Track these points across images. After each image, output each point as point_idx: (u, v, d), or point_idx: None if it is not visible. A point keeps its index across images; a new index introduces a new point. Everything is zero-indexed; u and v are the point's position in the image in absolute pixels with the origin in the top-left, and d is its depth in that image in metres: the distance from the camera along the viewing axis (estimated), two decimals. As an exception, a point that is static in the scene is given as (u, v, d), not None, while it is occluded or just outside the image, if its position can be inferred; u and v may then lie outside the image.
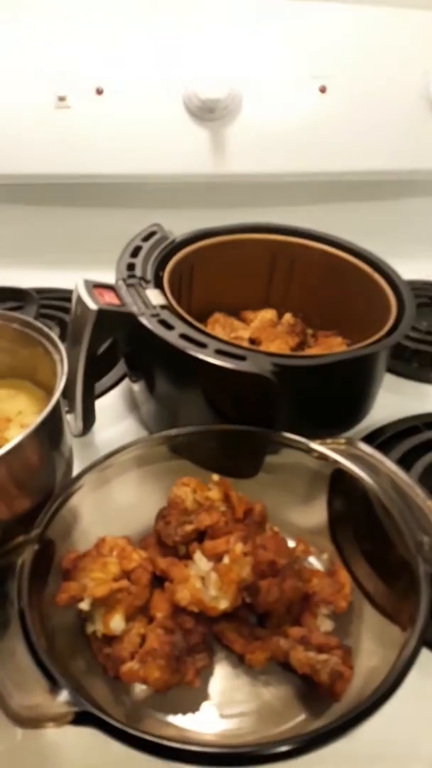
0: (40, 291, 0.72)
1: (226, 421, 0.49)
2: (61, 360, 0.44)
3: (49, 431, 0.43)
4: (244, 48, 0.73)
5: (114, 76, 0.71)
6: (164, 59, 0.72)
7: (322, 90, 0.74)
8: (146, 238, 0.59)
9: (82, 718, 0.31)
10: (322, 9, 0.74)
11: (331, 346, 0.62)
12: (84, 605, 0.39)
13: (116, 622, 0.39)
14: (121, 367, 0.64)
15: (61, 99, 0.71)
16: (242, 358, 0.46)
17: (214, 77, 0.70)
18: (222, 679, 0.40)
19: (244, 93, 0.72)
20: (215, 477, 0.47)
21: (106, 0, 0.72)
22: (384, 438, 0.56)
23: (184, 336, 0.47)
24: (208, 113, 0.72)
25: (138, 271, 0.55)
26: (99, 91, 0.71)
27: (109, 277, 0.54)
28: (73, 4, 0.71)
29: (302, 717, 0.37)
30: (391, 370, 0.66)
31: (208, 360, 0.45)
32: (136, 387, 0.58)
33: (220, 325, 0.65)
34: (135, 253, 0.57)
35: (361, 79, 0.75)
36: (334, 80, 0.74)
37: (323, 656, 0.37)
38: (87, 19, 0.71)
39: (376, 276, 0.59)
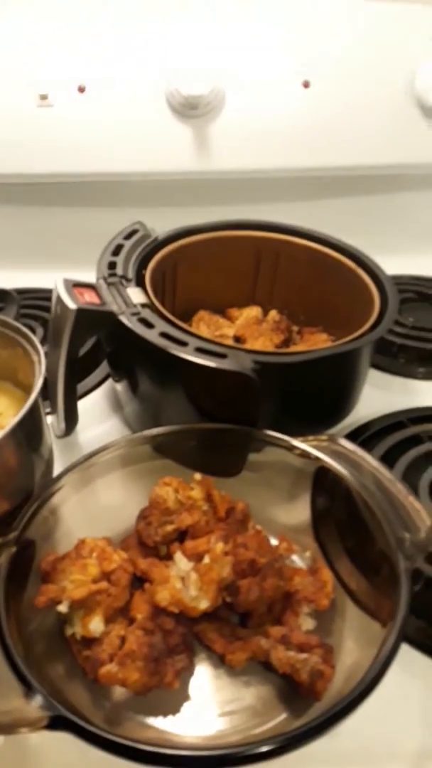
0: (23, 291, 0.72)
1: (209, 420, 0.49)
2: (40, 360, 0.44)
3: (27, 432, 0.42)
4: (227, 44, 0.72)
5: (96, 74, 0.71)
6: (146, 56, 0.71)
7: (306, 85, 0.73)
8: (128, 237, 0.59)
9: (56, 723, 0.30)
10: (305, 3, 0.73)
11: (316, 342, 0.62)
12: (62, 607, 0.38)
13: (95, 624, 0.38)
14: (104, 367, 0.64)
15: (43, 97, 0.70)
16: (223, 355, 0.45)
17: (196, 73, 0.70)
18: (203, 679, 0.39)
19: (227, 89, 0.72)
20: (198, 476, 0.47)
21: (86, -3, 0.71)
22: (369, 434, 0.56)
23: (164, 334, 0.47)
24: (190, 110, 0.71)
25: (119, 270, 0.54)
26: (81, 89, 0.71)
27: (91, 276, 0.53)
28: (53, 1, 0.71)
29: (283, 716, 0.37)
30: (377, 365, 0.65)
31: (188, 358, 0.45)
32: (120, 387, 0.57)
33: (205, 323, 0.64)
34: (116, 251, 0.57)
35: (345, 74, 0.74)
36: (318, 75, 0.73)
37: (303, 655, 0.37)
38: (68, 16, 0.71)
39: (360, 271, 0.59)
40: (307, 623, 0.41)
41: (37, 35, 0.70)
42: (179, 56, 0.71)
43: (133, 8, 0.71)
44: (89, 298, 0.49)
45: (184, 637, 0.39)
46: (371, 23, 0.75)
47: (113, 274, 0.53)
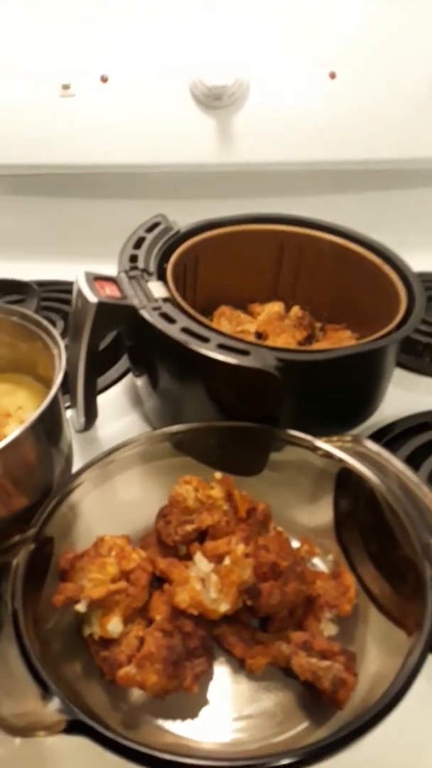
0: (44, 284, 0.71)
1: (230, 417, 0.48)
2: (60, 354, 0.43)
3: (47, 427, 0.42)
4: (252, 34, 0.71)
5: (119, 64, 0.70)
6: (170, 46, 0.70)
7: (332, 76, 0.72)
8: (150, 229, 0.58)
9: (74, 727, 0.30)
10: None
11: (340, 339, 0.61)
12: (80, 607, 0.38)
13: (114, 625, 0.38)
14: (124, 362, 0.63)
15: (65, 87, 0.69)
16: (246, 352, 0.44)
17: (220, 64, 0.69)
18: (222, 684, 0.39)
19: (252, 80, 0.71)
20: (218, 475, 0.46)
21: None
22: (393, 435, 0.54)
23: (185, 330, 0.46)
24: (214, 101, 0.70)
25: (141, 263, 0.53)
26: (104, 79, 0.70)
27: (112, 268, 0.52)
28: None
29: (304, 725, 0.36)
30: (402, 365, 0.64)
31: (210, 355, 0.44)
32: (140, 382, 0.57)
33: (226, 319, 0.63)
34: (138, 244, 0.56)
35: (371, 65, 0.72)
36: (344, 66, 0.72)
37: (326, 663, 0.36)
38: (90, 6, 0.70)
39: (386, 268, 0.57)
40: (329, 629, 0.40)
41: (59, 25, 0.70)
42: (203, 46, 0.70)
43: (157, -2, 0.70)
44: (110, 291, 0.49)
45: (204, 640, 0.38)
46: (398, 13, 0.73)
47: (134, 268, 0.53)
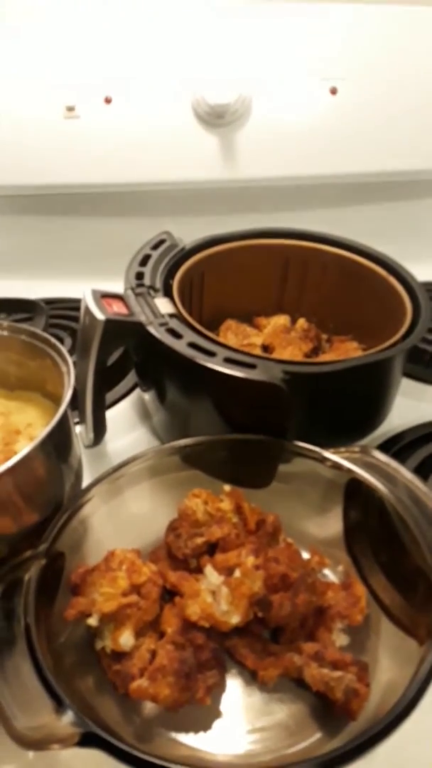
0: (51, 301, 0.72)
1: (238, 430, 0.48)
2: (68, 371, 0.44)
3: (57, 443, 0.42)
4: (253, 51, 0.72)
5: (122, 85, 0.71)
6: (172, 65, 0.72)
7: (333, 92, 0.73)
8: (155, 246, 0.59)
9: (87, 740, 0.30)
10: (330, 9, 0.73)
11: (347, 351, 0.61)
12: (92, 621, 0.38)
13: (125, 638, 0.38)
14: (132, 376, 0.64)
15: (70, 109, 0.71)
16: (252, 366, 0.45)
17: (222, 82, 0.70)
18: (234, 696, 0.39)
19: (254, 97, 0.72)
20: (227, 488, 0.46)
21: (112, 8, 0.72)
22: (401, 445, 0.55)
23: (192, 345, 0.47)
24: (217, 118, 0.71)
25: (147, 280, 0.54)
26: (107, 100, 0.71)
27: (119, 285, 0.53)
28: (78, 13, 0.71)
29: (317, 736, 0.36)
30: (409, 374, 0.64)
31: (217, 369, 0.45)
32: (147, 396, 0.57)
33: (233, 332, 0.64)
34: (144, 261, 0.57)
35: (372, 80, 0.74)
36: (345, 81, 0.73)
37: (338, 673, 0.36)
38: (93, 28, 0.71)
39: (391, 279, 0.58)
40: (341, 639, 0.40)
41: (63, 47, 0.71)
42: (205, 65, 0.71)
43: (157, 18, 0.72)
44: (117, 308, 0.49)
45: (215, 652, 0.38)
46: (397, 28, 0.74)
47: (141, 285, 0.53)
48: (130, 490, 0.46)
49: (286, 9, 0.73)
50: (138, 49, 0.72)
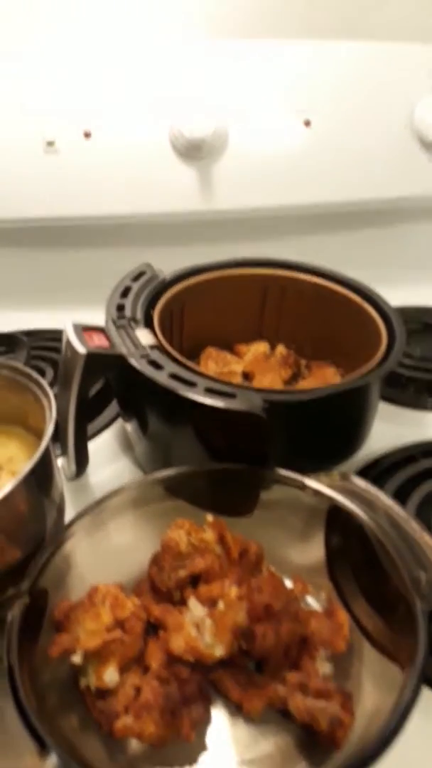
0: (32, 333, 0.73)
1: (220, 459, 0.49)
2: (50, 406, 0.44)
3: (39, 479, 0.42)
4: (228, 86, 0.74)
5: (101, 119, 0.72)
6: (150, 99, 0.73)
7: (307, 124, 0.75)
8: (136, 278, 0.59)
9: (72, 782, 0.30)
10: (304, 45, 0.75)
11: (325, 376, 0.62)
12: (76, 658, 0.38)
13: (110, 675, 0.38)
14: (114, 406, 0.64)
15: (50, 144, 0.72)
16: (232, 395, 0.45)
17: (199, 116, 0.71)
18: (220, 728, 0.39)
19: (230, 130, 0.73)
20: (210, 518, 0.46)
21: (90, 42, 0.73)
22: (381, 469, 0.55)
23: (173, 376, 0.47)
24: (194, 151, 0.72)
25: (128, 312, 0.55)
26: (87, 135, 0.72)
27: (100, 315, 0.54)
28: (57, 47, 0.73)
29: (303, 767, 0.36)
30: (387, 398, 0.65)
31: (198, 399, 0.45)
32: (130, 427, 0.57)
33: (213, 360, 0.65)
34: (125, 293, 0.57)
35: (345, 112, 0.76)
36: (318, 114, 0.75)
37: (322, 703, 0.36)
38: (73, 63, 0.73)
39: (366, 305, 0.59)
40: (325, 667, 0.40)
41: (42, 81, 0.72)
42: (182, 99, 0.73)
43: (136, 54, 0.73)
44: (98, 341, 0.50)
45: (200, 685, 0.38)
46: (370, 62, 0.76)
47: (122, 317, 0.54)
48: (113, 522, 0.46)
49: (260, 45, 0.75)
50: (116, 83, 0.73)
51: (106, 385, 0.64)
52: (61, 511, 0.48)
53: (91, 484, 0.56)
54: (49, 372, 0.66)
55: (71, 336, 0.49)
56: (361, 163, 0.76)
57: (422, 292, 0.80)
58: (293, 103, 0.75)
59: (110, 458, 0.59)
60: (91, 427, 0.61)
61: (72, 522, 0.44)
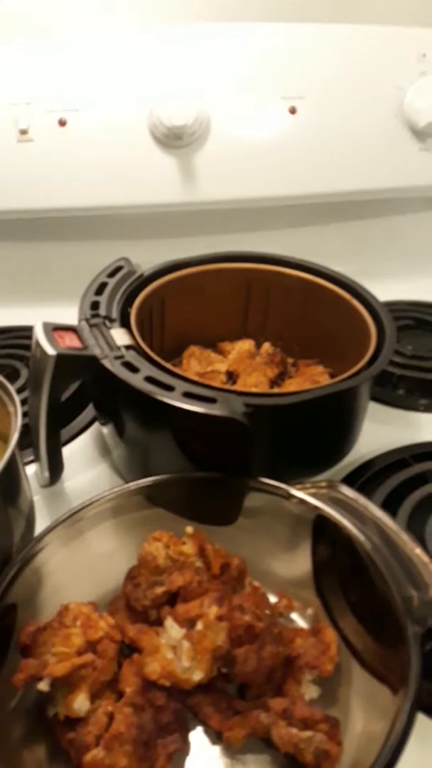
0: (5, 330, 0.70)
1: (200, 466, 0.46)
2: (16, 412, 0.41)
3: (4, 488, 0.39)
4: (210, 71, 0.71)
5: (77, 107, 0.69)
6: (128, 86, 0.70)
7: (292, 111, 0.72)
8: (112, 274, 0.56)
9: None
10: (289, 28, 0.72)
11: (313, 374, 0.59)
12: (43, 686, 0.35)
13: (80, 703, 0.35)
14: (91, 410, 0.61)
15: (23, 132, 0.68)
16: (212, 400, 0.43)
17: (179, 102, 0.68)
18: (198, 759, 0.36)
19: (212, 117, 0.70)
20: (189, 530, 0.44)
21: (64, 28, 0.70)
22: (370, 474, 0.53)
23: (149, 379, 0.44)
24: (175, 140, 0.69)
25: (103, 310, 0.52)
26: (62, 123, 0.69)
27: (75, 312, 0.51)
28: (30, 33, 0.69)
29: (288, 801, 0.34)
30: (376, 398, 0.63)
31: (175, 404, 0.42)
32: (106, 431, 0.55)
33: (196, 359, 0.62)
34: (100, 290, 0.54)
35: (332, 98, 0.73)
36: (304, 101, 0.72)
37: (307, 733, 0.33)
38: (46, 49, 0.69)
39: (354, 302, 0.57)
40: (311, 691, 0.38)
41: (16, 69, 0.69)
42: (162, 86, 0.70)
43: (113, 38, 0.70)
44: (70, 341, 0.47)
45: (177, 713, 0.36)
46: (357, 47, 0.73)
47: (96, 315, 0.51)
48: (89, 532, 0.44)
49: (243, 28, 0.72)
50: (93, 69, 0.70)
51: (82, 387, 0.61)
52: (30, 523, 0.45)
53: (67, 492, 0.54)
54: (24, 372, 0.63)
55: (40, 336, 0.46)
56: (348, 152, 0.73)
57: (413, 286, 0.78)
58: (278, 89, 0.72)
59: (87, 464, 0.56)
60: (67, 431, 0.58)
61: (44, 533, 0.42)
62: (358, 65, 0.73)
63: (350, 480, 0.52)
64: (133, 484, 0.45)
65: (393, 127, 0.74)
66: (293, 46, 0.72)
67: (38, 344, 0.46)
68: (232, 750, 0.36)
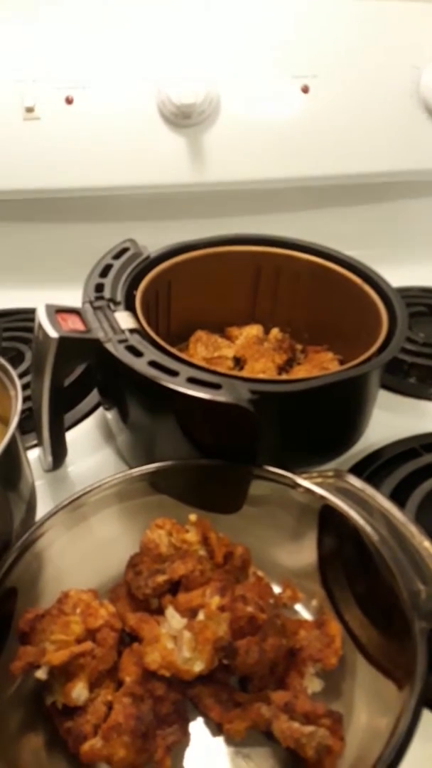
0: (9, 313, 0.69)
1: (205, 453, 0.45)
2: (17, 395, 0.40)
3: (4, 474, 0.39)
4: (221, 48, 0.69)
5: (84, 84, 0.67)
6: (136, 63, 0.68)
7: (305, 90, 0.70)
8: (117, 256, 0.55)
9: None
10: (302, 2, 0.70)
11: (322, 362, 0.58)
12: (41, 674, 0.34)
13: (78, 691, 0.35)
14: (96, 394, 0.60)
15: (29, 110, 0.67)
16: (217, 386, 0.42)
17: (189, 80, 0.66)
18: (198, 751, 0.35)
19: (222, 96, 0.69)
20: (193, 517, 0.43)
21: (72, 4, 0.68)
22: (379, 463, 0.52)
23: (153, 363, 0.43)
24: (184, 119, 0.68)
25: (107, 292, 0.51)
26: (69, 100, 0.67)
27: (80, 295, 0.50)
28: (37, 10, 0.68)
29: (288, 795, 0.33)
30: (386, 386, 0.61)
31: (179, 390, 0.41)
32: (111, 416, 0.54)
33: (203, 344, 0.61)
34: (105, 272, 0.53)
35: (346, 77, 0.71)
36: (317, 79, 0.70)
37: (309, 728, 0.33)
38: (54, 26, 0.68)
39: (366, 287, 0.55)
40: (314, 684, 0.37)
41: (21, 46, 0.67)
42: (170, 63, 0.68)
43: (120, 13, 0.68)
44: (73, 324, 0.46)
45: (177, 704, 0.35)
46: (373, 23, 0.71)
47: (100, 297, 0.50)
48: (92, 517, 0.43)
49: (254, 4, 0.69)
50: (101, 46, 0.68)
51: (87, 371, 0.60)
52: (31, 507, 0.45)
53: (71, 476, 0.53)
54: (28, 355, 0.62)
55: (42, 318, 0.45)
56: (362, 134, 0.71)
57: (426, 272, 0.76)
58: (290, 67, 0.70)
59: (91, 448, 0.56)
60: (71, 415, 0.58)
61: (45, 518, 0.41)
62: (374, 43, 0.71)
63: (358, 470, 0.51)
64: (137, 470, 0.45)
65: (408, 107, 0.72)
66: (307, 22, 0.70)
67: (41, 327, 0.45)
68: (232, 742, 0.35)
